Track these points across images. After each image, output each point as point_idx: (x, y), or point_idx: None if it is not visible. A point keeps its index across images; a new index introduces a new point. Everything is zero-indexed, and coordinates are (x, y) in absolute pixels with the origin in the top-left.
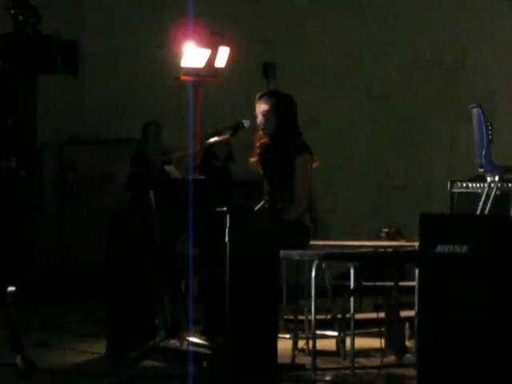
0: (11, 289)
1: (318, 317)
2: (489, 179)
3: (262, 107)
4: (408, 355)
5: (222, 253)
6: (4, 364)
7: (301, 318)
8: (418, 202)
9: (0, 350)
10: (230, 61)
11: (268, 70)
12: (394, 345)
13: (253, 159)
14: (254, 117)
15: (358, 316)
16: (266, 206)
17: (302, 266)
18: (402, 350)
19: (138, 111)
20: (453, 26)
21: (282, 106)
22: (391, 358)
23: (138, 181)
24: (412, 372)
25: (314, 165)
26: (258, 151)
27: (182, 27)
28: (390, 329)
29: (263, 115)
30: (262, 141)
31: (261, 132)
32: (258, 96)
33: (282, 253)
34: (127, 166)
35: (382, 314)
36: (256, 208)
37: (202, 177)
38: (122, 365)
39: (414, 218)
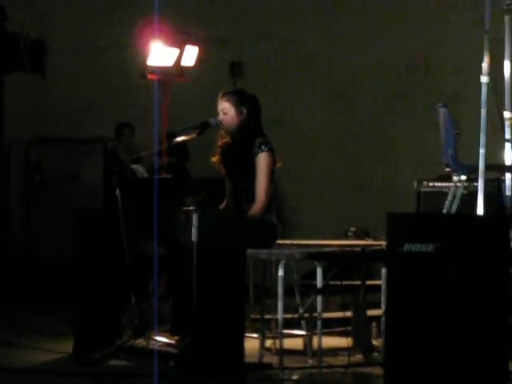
0: None
1: (285, 316)
2: (455, 178)
3: (223, 105)
4: (375, 354)
5: (188, 251)
6: None
7: (268, 317)
8: (385, 201)
9: None
10: (197, 60)
11: (235, 69)
12: (361, 344)
13: (214, 159)
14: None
15: (325, 315)
16: (231, 206)
17: (268, 265)
18: (368, 349)
19: (105, 110)
20: (419, 28)
21: (244, 105)
22: (358, 357)
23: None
24: (379, 371)
25: (277, 165)
26: (219, 150)
27: (149, 26)
28: (357, 328)
29: (224, 113)
30: (224, 140)
31: (222, 131)
32: (220, 94)
33: (249, 252)
34: (94, 165)
35: (348, 313)
36: (220, 207)
37: (169, 176)
38: (88, 364)
39: (381, 217)
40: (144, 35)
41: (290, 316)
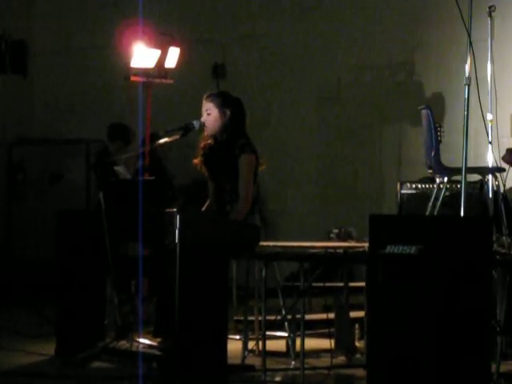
0: None
1: (268, 317)
2: (438, 180)
3: (207, 105)
4: (358, 356)
5: (171, 253)
6: None
7: (251, 318)
8: (367, 202)
9: None
10: (180, 61)
11: (218, 71)
12: (344, 345)
13: (196, 160)
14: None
15: (308, 317)
16: (214, 207)
17: (251, 267)
18: (351, 351)
19: (88, 112)
20: (402, 28)
21: (228, 107)
22: (341, 359)
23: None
24: (362, 372)
25: (260, 167)
26: (201, 152)
27: (132, 27)
28: (340, 329)
29: (208, 114)
30: (207, 142)
31: (205, 133)
32: (205, 95)
33: (232, 253)
34: (77, 166)
35: (331, 315)
36: (203, 208)
37: (152, 178)
38: (71, 366)
39: (363, 219)
40: (127, 36)
41: (272, 318)
